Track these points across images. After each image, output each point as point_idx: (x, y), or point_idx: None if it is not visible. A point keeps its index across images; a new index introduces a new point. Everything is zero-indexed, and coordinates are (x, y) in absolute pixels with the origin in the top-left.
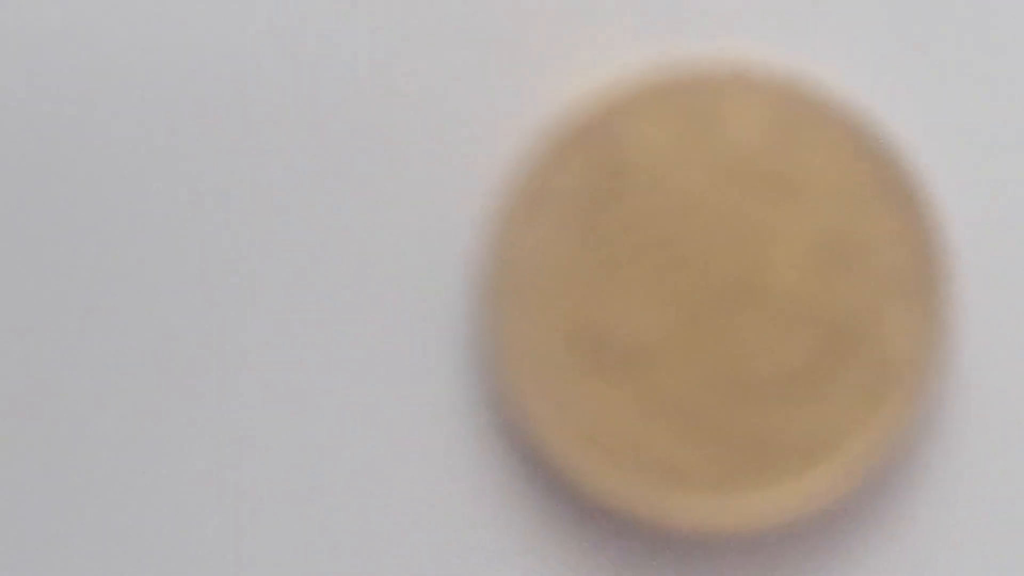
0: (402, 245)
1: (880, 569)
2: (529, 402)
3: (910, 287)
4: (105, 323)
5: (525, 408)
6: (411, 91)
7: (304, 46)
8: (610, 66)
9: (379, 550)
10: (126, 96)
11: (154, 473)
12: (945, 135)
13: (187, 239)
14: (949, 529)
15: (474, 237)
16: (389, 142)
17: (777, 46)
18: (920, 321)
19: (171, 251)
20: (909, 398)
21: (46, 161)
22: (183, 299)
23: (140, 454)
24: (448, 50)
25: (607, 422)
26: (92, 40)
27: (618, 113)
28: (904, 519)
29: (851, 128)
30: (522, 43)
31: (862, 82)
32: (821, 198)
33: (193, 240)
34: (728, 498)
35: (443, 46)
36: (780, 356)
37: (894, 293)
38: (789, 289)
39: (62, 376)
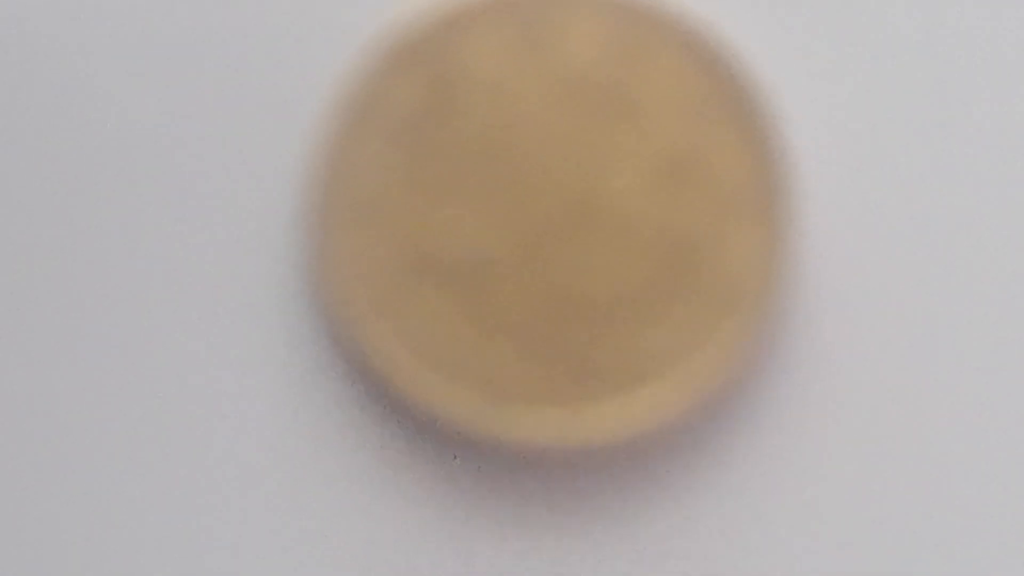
0: (232, 161)
1: (720, 487)
2: (362, 318)
3: (752, 206)
4: None
5: (359, 324)
6: (244, 3)
7: None
8: None
9: (213, 467)
10: None
11: None
12: (789, 52)
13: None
14: (790, 448)
15: (306, 152)
16: (217, 55)
17: None
18: (762, 240)
19: None
20: (750, 316)
21: None
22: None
23: None
24: None
25: (442, 338)
26: None
27: (453, 26)
28: (746, 438)
29: (693, 45)
30: None
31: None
32: (661, 116)
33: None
34: (564, 413)
35: None
36: (619, 275)
37: (736, 212)
38: (628, 208)
39: None
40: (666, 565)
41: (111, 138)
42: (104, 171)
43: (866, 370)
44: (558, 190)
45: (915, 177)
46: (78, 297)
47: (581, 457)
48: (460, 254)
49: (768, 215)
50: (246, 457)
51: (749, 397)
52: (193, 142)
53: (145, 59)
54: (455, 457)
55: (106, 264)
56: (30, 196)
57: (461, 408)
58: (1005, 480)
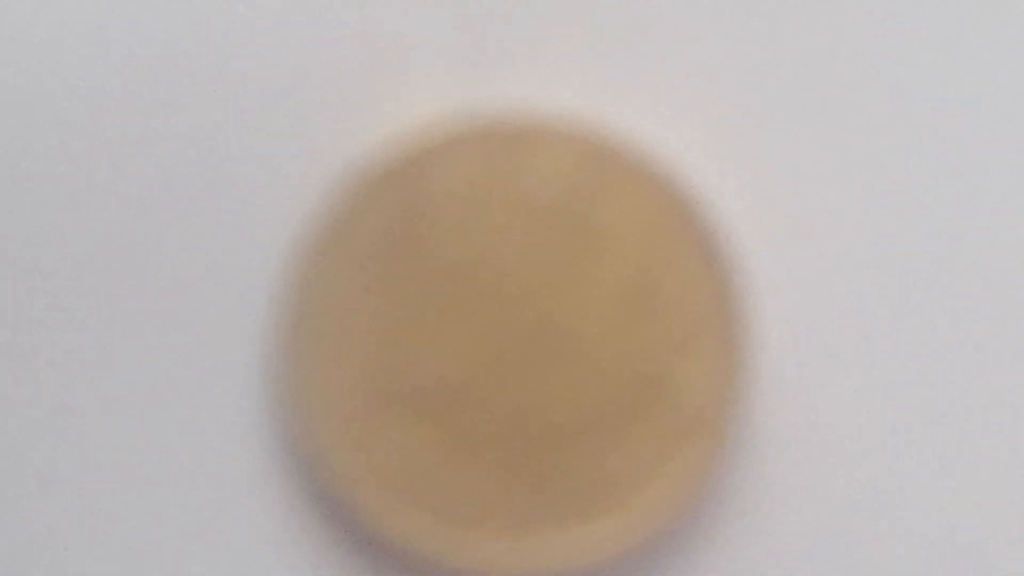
0: (206, 283)
1: None
2: (327, 443)
3: (712, 335)
4: None
5: (323, 448)
6: (217, 130)
7: (118, 78)
8: (417, 112)
9: None
10: None
11: None
12: (750, 185)
13: None
14: (751, 573)
15: (277, 278)
16: (195, 181)
17: (583, 96)
18: (722, 367)
19: None
20: (707, 445)
21: None
22: None
23: None
24: (256, 90)
25: (405, 463)
26: None
27: (423, 158)
28: (702, 565)
29: (655, 177)
30: (329, 86)
31: (668, 132)
32: (624, 246)
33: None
34: (524, 541)
35: (250, 85)
36: (580, 402)
37: (696, 340)
38: (591, 336)
39: None
40: None
41: (87, 270)
42: (82, 296)
43: (824, 496)
44: (522, 318)
45: (873, 309)
46: (51, 423)
47: None
48: (426, 381)
49: (727, 344)
50: None
51: (709, 523)
52: (171, 266)
53: (133, 186)
54: None
55: (97, 388)
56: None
57: (426, 537)
58: None
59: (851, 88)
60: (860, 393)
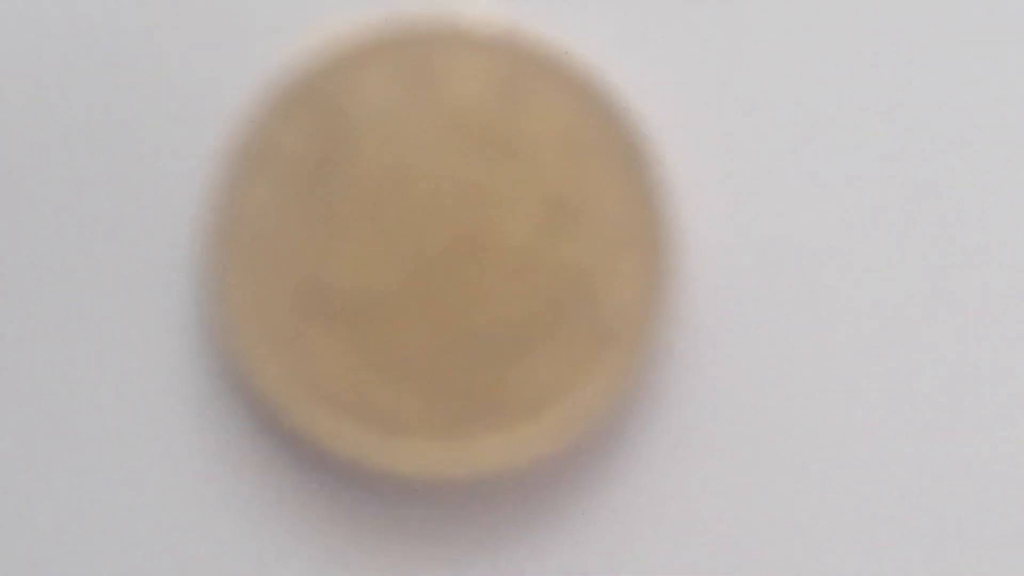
0: (127, 204)
1: (598, 521)
2: (254, 355)
3: (634, 243)
4: None
5: (249, 360)
6: (134, 45)
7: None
8: (334, 21)
9: (110, 504)
10: None
11: None
12: (672, 91)
13: None
14: (670, 481)
15: (199, 195)
16: (111, 98)
17: (505, 2)
18: (642, 276)
19: None
20: (631, 350)
21: None
22: None
23: None
24: (175, 4)
25: (331, 373)
26: None
27: (341, 69)
28: (626, 470)
29: (575, 84)
30: None
31: (587, 37)
32: (545, 154)
33: None
34: (449, 446)
35: (171, 1)
36: (502, 310)
37: (618, 248)
38: (513, 246)
39: None
40: None
41: (17, 184)
42: (17, 217)
43: (743, 403)
44: (445, 227)
45: (793, 214)
46: None
47: (467, 489)
48: (349, 290)
49: (649, 251)
50: (136, 492)
51: (629, 430)
52: (88, 183)
53: (38, 99)
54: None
55: (28, 318)
56: None
57: (349, 441)
58: (869, 504)
59: None
60: (784, 303)
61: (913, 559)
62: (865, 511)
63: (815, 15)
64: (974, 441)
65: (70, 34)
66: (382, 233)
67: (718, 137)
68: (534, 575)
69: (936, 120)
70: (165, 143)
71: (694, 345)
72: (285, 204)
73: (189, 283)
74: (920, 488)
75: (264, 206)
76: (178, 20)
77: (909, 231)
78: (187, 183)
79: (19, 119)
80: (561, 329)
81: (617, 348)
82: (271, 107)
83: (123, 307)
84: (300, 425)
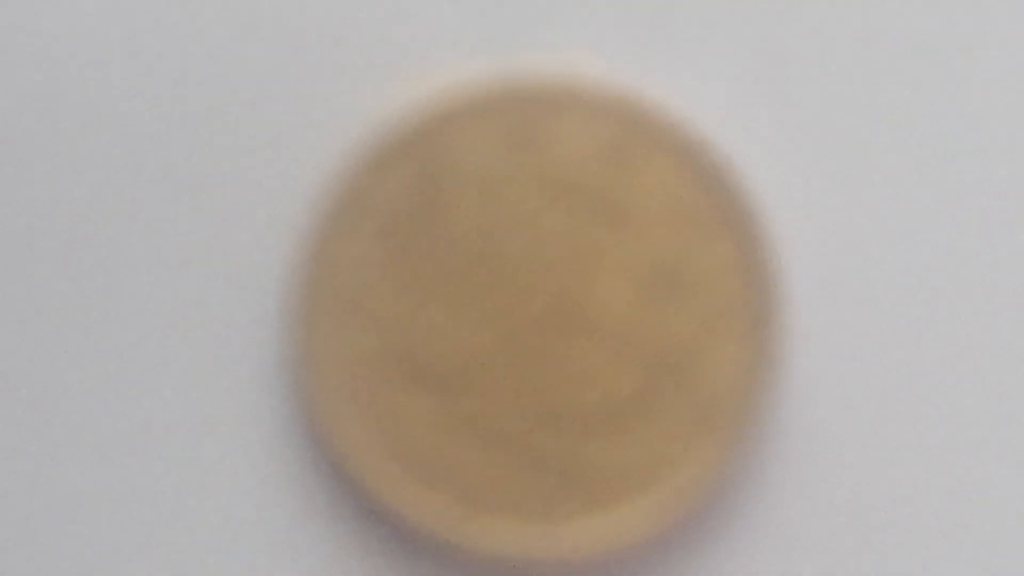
0: (219, 253)
1: None
2: (340, 419)
3: (740, 319)
4: None
5: (336, 425)
6: (235, 94)
7: (127, 47)
8: (440, 75)
9: (187, 557)
10: None
11: None
12: (784, 165)
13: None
14: (769, 567)
15: (292, 247)
16: (210, 145)
17: (615, 64)
18: (748, 354)
19: None
20: (732, 432)
21: None
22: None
23: None
24: (274, 53)
25: (420, 443)
26: None
27: (445, 124)
28: (724, 556)
29: (687, 152)
30: (350, 48)
31: (702, 106)
32: (652, 224)
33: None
34: (542, 526)
35: (270, 49)
36: (603, 385)
37: (723, 325)
38: (615, 316)
39: None
40: None
41: (110, 231)
42: (107, 262)
43: (845, 490)
44: (542, 294)
45: (906, 297)
46: (64, 381)
47: (556, 572)
48: (442, 356)
49: (755, 330)
50: (221, 558)
51: (727, 515)
52: (183, 229)
53: (146, 152)
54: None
55: (93, 355)
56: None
57: (437, 517)
58: None
59: (895, 59)
60: (894, 385)
61: None
62: None
63: (931, 89)
64: None
65: (174, 79)
66: (476, 296)
67: (831, 211)
68: None
69: None
70: (260, 195)
71: (797, 428)
72: (377, 261)
73: (276, 336)
74: None
75: (356, 263)
76: (283, 66)
77: None
78: (281, 236)
79: (122, 163)
80: (660, 406)
81: (717, 428)
82: (369, 160)
83: (210, 359)
84: (382, 493)
